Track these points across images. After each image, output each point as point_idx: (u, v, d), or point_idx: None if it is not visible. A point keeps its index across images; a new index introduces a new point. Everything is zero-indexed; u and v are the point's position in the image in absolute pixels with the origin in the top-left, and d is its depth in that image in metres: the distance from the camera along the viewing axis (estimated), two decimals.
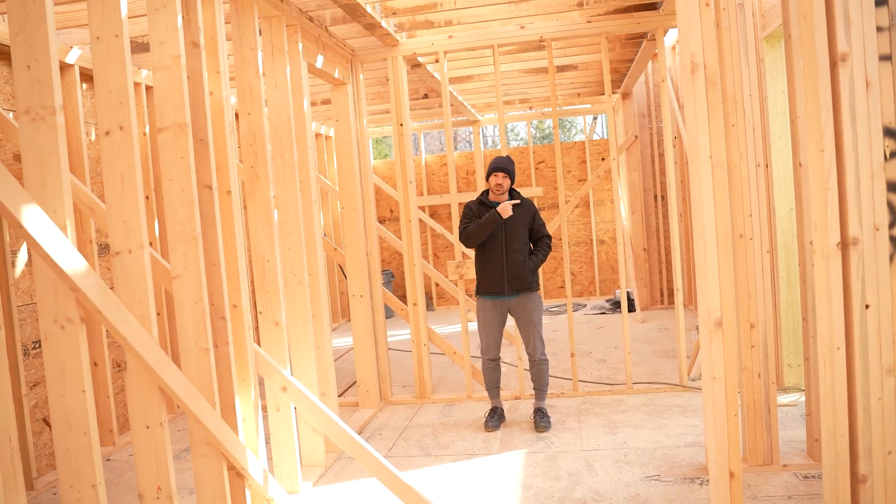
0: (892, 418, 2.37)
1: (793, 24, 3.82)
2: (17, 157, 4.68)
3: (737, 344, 3.81)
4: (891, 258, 2.42)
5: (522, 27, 5.77)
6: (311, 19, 4.90)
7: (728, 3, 3.73)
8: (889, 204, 2.43)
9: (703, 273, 2.70)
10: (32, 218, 2.15)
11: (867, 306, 2.42)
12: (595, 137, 12.06)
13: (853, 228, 2.43)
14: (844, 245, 2.45)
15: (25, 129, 2.39)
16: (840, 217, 2.45)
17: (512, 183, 4.99)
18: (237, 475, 3.31)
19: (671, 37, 7.34)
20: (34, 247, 2.20)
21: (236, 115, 5.55)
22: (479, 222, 4.86)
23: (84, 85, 5.42)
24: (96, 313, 2.45)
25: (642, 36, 6.57)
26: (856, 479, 2.41)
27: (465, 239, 4.90)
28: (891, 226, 2.43)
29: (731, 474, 2.62)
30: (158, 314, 5.46)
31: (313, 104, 8.48)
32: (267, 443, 4.59)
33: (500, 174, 4.93)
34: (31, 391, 4.68)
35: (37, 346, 4.72)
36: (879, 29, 2.43)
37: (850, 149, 2.43)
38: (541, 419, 4.93)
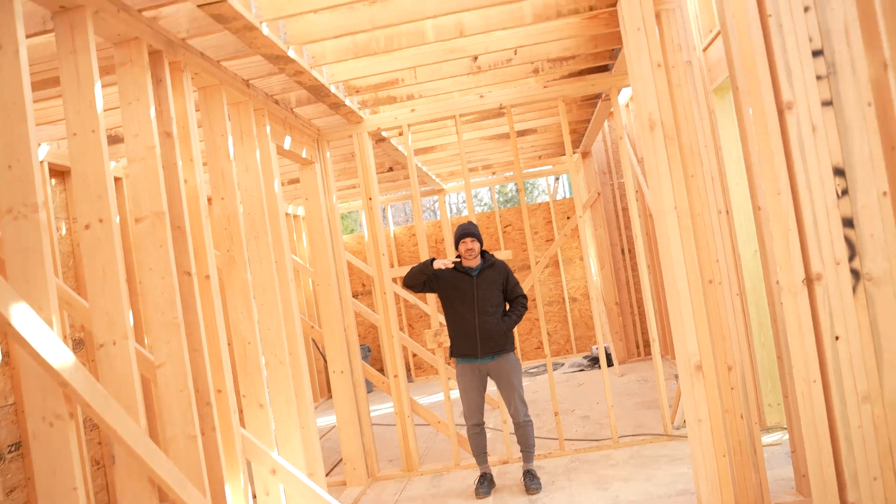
0: (874, 444, 2.43)
1: (738, 77, 4.03)
2: None
3: (717, 386, 3.88)
4: (854, 290, 2.53)
5: (482, 96, 5.97)
6: (277, 102, 5.03)
7: (677, 62, 3.93)
8: (846, 239, 2.55)
9: (679, 319, 2.79)
10: (21, 316, 2.17)
11: (837, 338, 2.51)
12: (558, 197, 12.33)
13: (815, 264, 2.54)
14: (809, 281, 2.56)
15: (8, 227, 2.43)
16: (802, 254, 2.57)
17: (482, 245, 5.08)
18: None
19: (625, 95, 7.62)
20: (23, 345, 2.21)
21: (209, 200, 5.62)
22: (412, 268, 4.98)
23: (53, 180, 5.46)
24: (86, 407, 2.45)
25: (597, 97, 6.82)
26: None
27: (405, 281, 5.02)
28: (850, 259, 2.55)
29: None
30: None
31: (281, 184, 8.57)
32: None
33: (468, 239, 5.02)
34: (7, 497, 4.56)
35: (13, 448, 4.62)
36: (819, 77, 2.60)
37: (805, 190, 2.57)
38: (531, 481, 4.91)
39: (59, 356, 2.33)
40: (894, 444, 2.47)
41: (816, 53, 2.62)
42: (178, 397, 3.10)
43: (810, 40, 2.63)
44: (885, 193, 2.55)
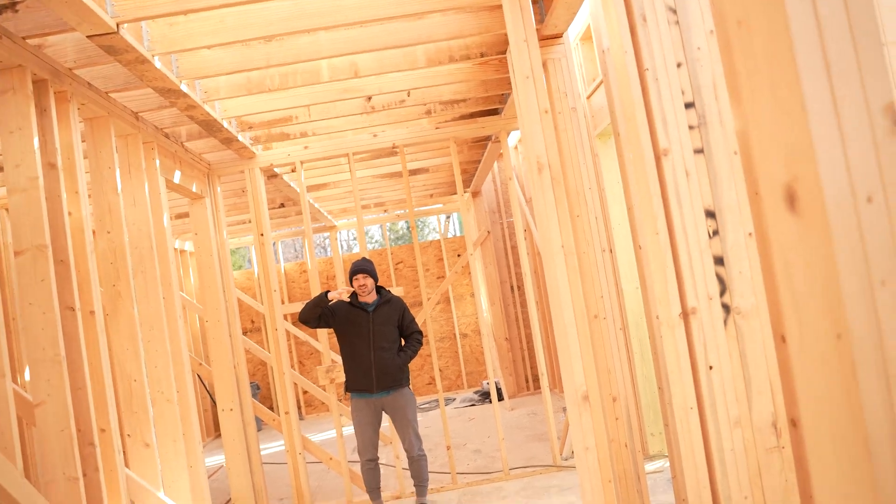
0: (745, 466, 2.62)
1: (620, 123, 4.29)
2: None
3: (603, 416, 4.05)
4: (725, 323, 2.73)
5: (375, 135, 6.06)
6: (167, 136, 4.95)
7: (563, 108, 4.15)
8: (717, 276, 2.76)
9: (566, 352, 2.92)
10: None
11: (711, 367, 2.70)
12: (449, 235, 12.54)
13: (691, 300, 2.73)
14: (685, 315, 2.75)
15: None
16: (679, 290, 2.75)
17: (376, 281, 5.12)
18: None
19: (514, 138, 7.90)
20: None
21: (93, 234, 5.41)
22: (307, 303, 4.98)
23: None
24: None
25: (487, 138, 7.04)
26: None
27: (300, 316, 4.99)
28: (721, 294, 2.76)
29: None
30: None
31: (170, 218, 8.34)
32: None
33: (361, 275, 5.05)
34: None
35: None
36: (691, 127, 2.82)
37: (680, 230, 2.77)
38: None
39: None
40: (762, 466, 2.67)
41: (689, 105, 2.84)
42: (59, 437, 2.96)
43: (683, 93, 2.86)
44: (750, 234, 2.78)
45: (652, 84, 2.90)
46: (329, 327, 5.10)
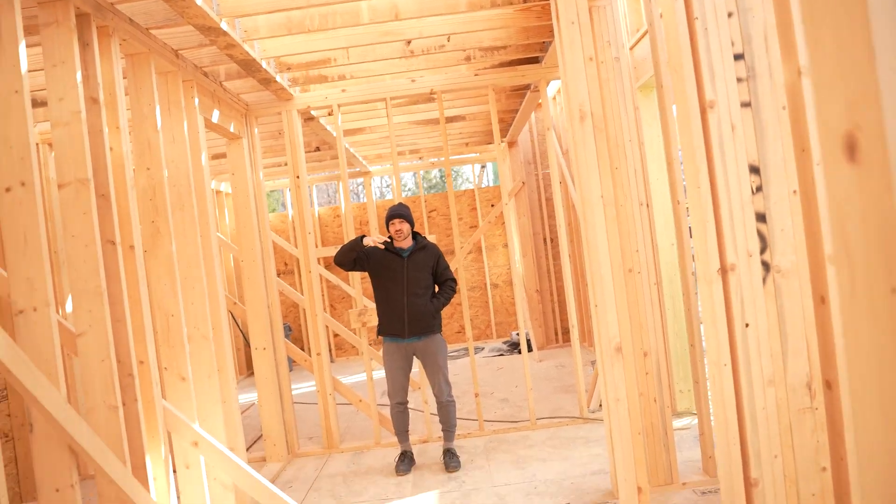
0: (776, 425, 2.61)
1: (663, 75, 4.19)
2: None
3: (634, 369, 4.06)
4: (763, 280, 2.69)
5: (413, 81, 6.00)
6: (206, 75, 4.94)
7: (606, 57, 4.06)
8: (759, 232, 2.71)
9: (602, 303, 2.91)
10: None
11: (747, 325, 2.67)
12: (483, 185, 12.50)
13: (730, 256, 2.69)
14: (724, 271, 2.71)
15: None
16: (718, 246, 2.71)
17: (412, 227, 5.12)
18: None
19: (553, 88, 7.76)
20: None
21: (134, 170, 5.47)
22: (343, 246, 5.00)
23: None
24: (5, 372, 2.39)
25: (526, 87, 6.93)
26: (748, 483, 2.63)
27: (335, 258, 5.03)
28: (762, 252, 2.71)
29: (639, 489, 2.79)
30: None
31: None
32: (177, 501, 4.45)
33: (397, 220, 5.06)
34: None
35: None
36: (739, 80, 2.74)
37: (723, 185, 2.71)
38: (450, 459, 5.02)
39: None
40: (794, 425, 2.66)
41: (738, 57, 2.76)
42: (100, 367, 3.04)
43: (732, 44, 2.77)
44: (794, 192, 2.72)
45: (701, 34, 2.82)
46: (363, 271, 5.13)
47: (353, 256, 4.97)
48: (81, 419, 2.75)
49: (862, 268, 1.01)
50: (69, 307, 5.32)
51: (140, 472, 3.20)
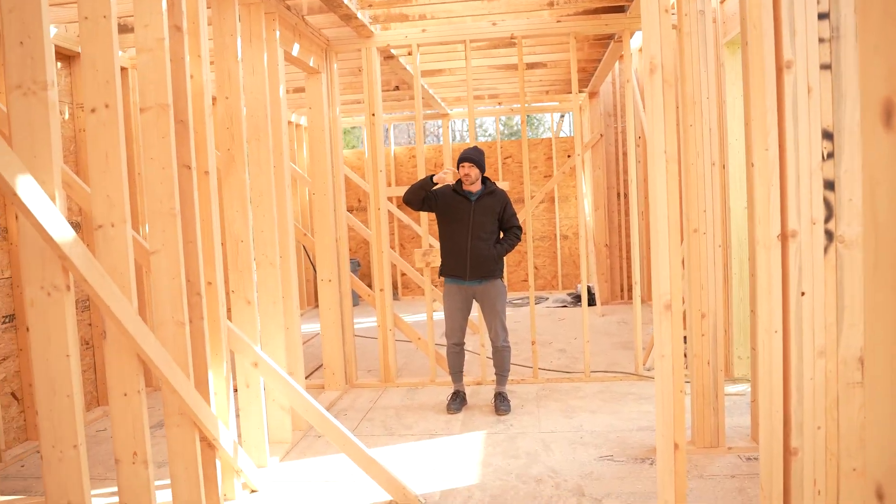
0: (822, 397, 2.58)
1: (749, 32, 4.04)
2: None
3: (689, 330, 4.03)
4: (825, 250, 2.63)
5: (494, 24, 5.94)
6: (288, 8, 5.01)
7: (690, 9, 3.94)
8: (825, 200, 2.64)
9: (657, 260, 2.90)
10: (26, 187, 2.26)
11: (803, 293, 2.63)
12: (561, 135, 12.34)
13: (792, 222, 2.64)
14: (784, 237, 2.66)
15: (17, 103, 2.49)
16: (781, 211, 2.66)
17: (483, 172, 5.13)
18: (209, 446, 3.44)
19: (637, 39, 7.55)
20: (26, 215, 2.31)
21: (213, 100, 5.64)
22: (413, 184, 5.06)
23: (59, 64, 5.46)
24: (82, 281, 2.56)
25: (610, 37, 6.77)
26: (788, 452, 2.62)
27: (405, 197, 5.09)
28: (826, 220, 2.64)
29: (676, 445, 2.82)
30: None
31: (286, 91, 8.54)
32: (236, 418, 4.70)
33: (467, 164, 5.08)
34: None
35: (7, 320, 4.76)
36: (821, 40, 2.64)
37: (792, 149, 2.64)
38: (501, 403, 5.12)
39: (60, 230, 2.43)
40: (841, 398, 2.62)
41: (822, 16, 2.65)
42: (170, 284, 3.22)
43: (818, 2, 2.66)
44: None
45: None
46: (431, 211, 5.18)
47: (422, 195, 5.03)
48: (150, 331, 2.93)
49: (888, 235, 1.01)
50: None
51: (202, 386, 3.39)
